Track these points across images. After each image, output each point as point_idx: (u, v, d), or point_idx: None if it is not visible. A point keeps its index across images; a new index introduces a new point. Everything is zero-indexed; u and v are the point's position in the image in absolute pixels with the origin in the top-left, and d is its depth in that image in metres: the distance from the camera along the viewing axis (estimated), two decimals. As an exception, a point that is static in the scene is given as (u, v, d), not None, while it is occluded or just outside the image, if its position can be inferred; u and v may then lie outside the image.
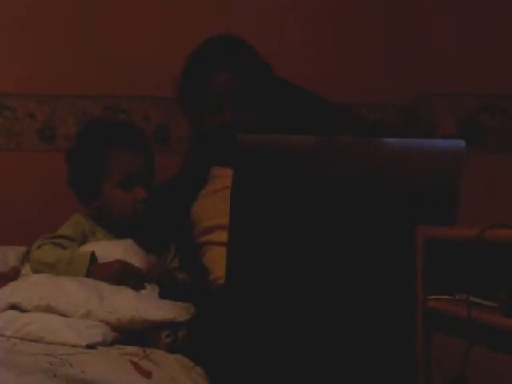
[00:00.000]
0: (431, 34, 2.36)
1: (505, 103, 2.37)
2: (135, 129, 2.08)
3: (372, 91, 2.44)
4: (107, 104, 2.39)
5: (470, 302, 1.27)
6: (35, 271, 1.83)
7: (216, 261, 1.92)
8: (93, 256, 1.80)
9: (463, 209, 1.49)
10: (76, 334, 1.56)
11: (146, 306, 1.65)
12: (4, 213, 2.31)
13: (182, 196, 2.07)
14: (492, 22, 2.34)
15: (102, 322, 1.61)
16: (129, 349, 1.57)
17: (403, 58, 2.43)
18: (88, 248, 1.85)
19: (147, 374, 1.46)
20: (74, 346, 1.53)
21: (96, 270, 1.78)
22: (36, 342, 1.57)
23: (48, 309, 1.63)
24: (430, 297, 1.39)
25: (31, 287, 1.70)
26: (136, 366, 1.48)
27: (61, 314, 1.63)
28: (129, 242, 1.89)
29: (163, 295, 1.75)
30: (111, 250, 1.84)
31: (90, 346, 1.54)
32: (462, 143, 1.48)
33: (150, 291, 1.76)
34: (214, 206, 1.98)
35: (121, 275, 1.75)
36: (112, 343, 1.59)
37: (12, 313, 1.65)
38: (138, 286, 1.75)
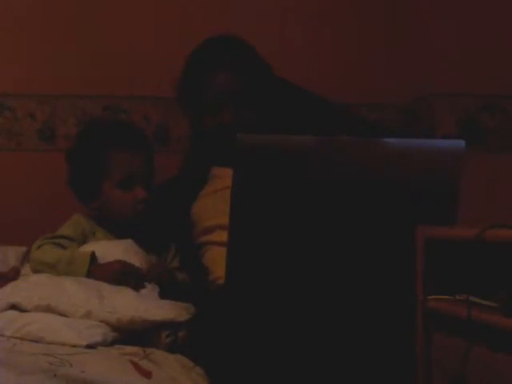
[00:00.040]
0: (431, 34, 2.36)
1: (505, 103, 2.36)
2: (135, 129, 2.08)
3: (372, 91, 2.44)
4: (107, 104, 2.39)
5: (470, 302, 1.27)
6: (35, 271, 1.83)
7: (216, 261, 1.92)
8: (93, 256, 1.80)
9: (463, 209, 1.49)
10: (76, 334, 1.56)
11: (146, 306, 1.65)
12: (4, 213, 2.31)
13: (182, 196, 2.07)
14: (492, 22, 2.34)
15: (102, 322, 1.61)
16: (129, 349, 1.57)
17: (403, 58, 2.43)
18: (88, 248, 1.85)
19: (147, 374, 1.46)
20: (74, 345, 1.54)
21: (96, 270, 1.78)
22: (36, 341, 1.57)
23: (48, 309, 1.63)
24: (429, 297, 1.39)
25: (31, 287, 1.70)
26: (136, 366, 1.48)
27: (61, 314, 1.63)
28: (129, 242, 1.89)
29: (163, 295, 1.75)
30: (111, 249, 1.84)
31: (90, 346, 1.54)
32: (462, 143, 1.48)
33: (150, 291, 1.76)
34: (213, 206, 1.98)
35: (121, 275, 1.75)
36: (112, 343, 1.59)
37: (12, 313, 1.65)
38: (138, 286, 1.75)
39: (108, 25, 2.39)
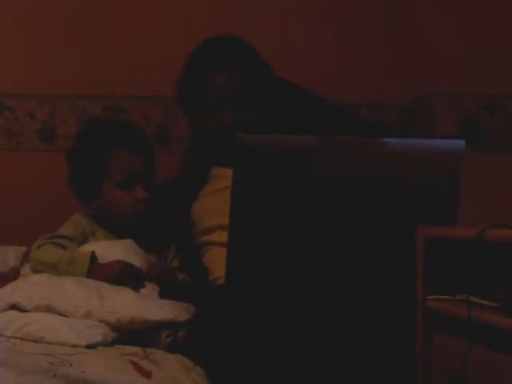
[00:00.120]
0: (431, 34, 2.36)
1: (505, 103, 2.37)
2: (135, 129, 2.07)
3: (372, 91, 2.44)
4: (107, 104, 2.39)
5: (470, 302, 1.27)
6: (35, 271, 1.83)
7: (216, 261, 1.92)
8: (93, 256, 1.80)
9: (463, 209, 1.49)
10: (76, 334, 1.56)
11: (146, 306, 1.65)
12: (4, 213, 2.31)
13: (182, 196, 2.07)
14: (492, 22, 2.34)
15: (102, 322, 1.61)
16: (129, 349, 1.57)
17: (403, 58, 2.43)
18: (88, 248, 1.85)
19: (147, 374, 1.46)
20: (74, 345, 1.54)
21: (96, 270, 1.78)
22: (36, 341, 1.57)
23: (48, 309, 1.63)
24: (429, 297, 1.39)
25: (31, 287, 1.70)
26: (136, 366, 1.48)
27: (61, 314, 1.63)
28: (129, 242, 1.89)
29: (163, 295, 1.75)
30: (111, 249, 1.84)
31: (90, 346, 1.54)
32: (462, 143, 1.48)
33: (150, 291, 1.76)
34: (214, 206, 1.98)
35: (120, 275, 1.75)
36: (112, 343, 1.59)
37: (12, 313, 1.65)
38: (137, 286, 1.75)
39: (108, 25, 2.39)
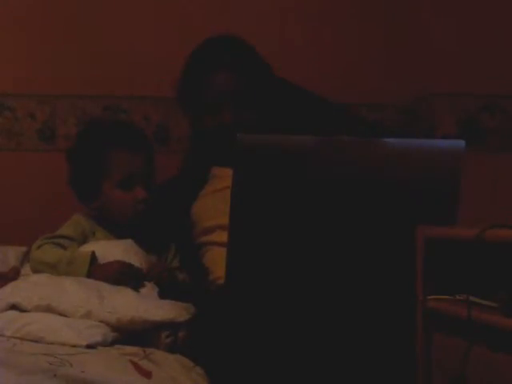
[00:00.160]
0: (431, 34, 2.36)
1: (505, 103, 2.37)
2: (135, 129, 2.07)
3: (372, 91, 2.44)
4: (107, 104, 2.39)
5: (470, 302, 1.27)
6: (35, 271, 1.83)
7: (216, 261, 1.92)
8: (93, 256, 1.80)
9: (463, 209, 1.49)
10: (76, 334, 1.56)
11: (146, 306, 1.65)
12: (4, 213, 2.31)
13: (182, 196, 2.07)
14: (492, 22, 2.34)
15: (101, 322, 1.61)
16: (129, 349, 1.57)
17: (403, 58, 2.43)
18: (88, 248, 1.85)
19: (147, 374, 1.46)
20: (74, 346, 1.54)
21: (96, 270, 1.78)
22: (36, 342, 1.57)
23: (48, 309, 1.63)
24: (429, 297, 1.39)
25: (31, 287, 1.70)
26: (136, 366, 1.48)
27: (61, 314, 1.63)
28: (129, 242, 1.89)
29: (163, 295, 1.75)
30: (111, 249, 1.84)
31: (90, 346, 1.54)
32: (461, 143, 1.48)
33: (150, 290, 1.76)
34: (214, 206, 1.98)
35: (120, 275, 1.75)
36: (112, 343, 1.59)
37: (12, 313, 1.65)
38: (137, 286, 1.75)
39: (108, 25, 2.39)
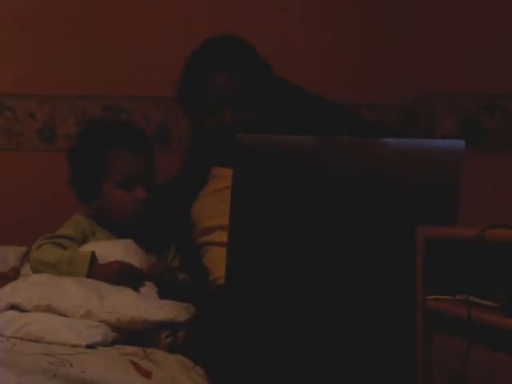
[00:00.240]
0: (431, 34, 2.36)
1: (505, 103, 2.37)
2: (135, 129, 2.07)
3: (372, 91, 2.44)
4: (107, 104, 2.39)
5: (470, 302, 1.27)
6: (35, 271, 1.83)
7: (216, 261, 1.92)
8: (93, 256, 1.80)
9: (463, 209, 1.49)
10: (76, 334, 1.56)
11: (145, 306, 1.65)
12: (4, 213, 2.31)
13: (182, 196, 2.07)
14: (492, 22, 2.34)
15: (101, 322, 1.61)
16: (129, 349, 1.57)
17: (403, 58, 2.43)
18: (88, 248, 1.85)
19: (147, 374, 1.46)
20: (74, 346, 1.54)
21: (96, 270, 1.78)
22: (36, 341, 1.57)
23: (48, 309, 1.63)
24: (429, 297, 1.39)
25: (31, 287, 1.70)
26: (136, 366, 1.48)
27: (61, 314, 1.63)
28: (129, 242, 1.89)
29: (163, 295, 1.75)
30: (111, 249, 1.84)
31: (90, 346, 1.54)
32: (461, 143, 1.48)
33: (150, 290, 1.76)
34: (214, 206, 1.98)
35: (119, 276, 1.75)
36: (112, 343, 1.59)
37: (12, 313, 1.65)
38: (137, 286, 1.75)
39: (108, 25, 2.39)
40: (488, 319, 1.25)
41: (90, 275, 1.77)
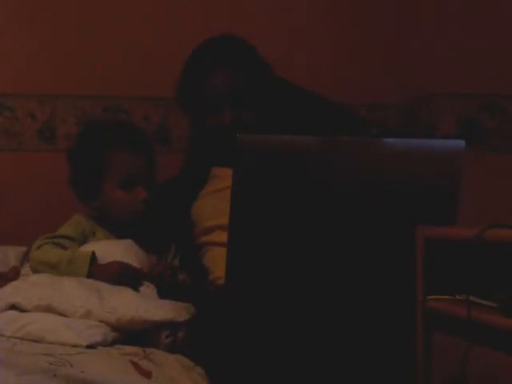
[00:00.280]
0: (431, 34, 2.36)
1: (505, 103, 2.37)
2: (136, 129, 2.07)
3: (372, 91, 2.44)
4: (107, 104, 2.39)
5: (469, 302, 1.27)
6: (35, 271, 1.83)
7: (216, 261, 1.92)
8: (93, 256, 1.80)
9: (463, 209, 1.49)
10: (76, 334, 1.56)
11: (145, 306, 1.65)
12: (4, 213, 2.31)
13: (182, 196, 2.07)
14: (492, 22, 2.34)
15: (101, 322, 1.61)
16: (129, 349, 1.57)
17: (403, 58, 2.43)
18: (88, 248, 1.85)
19: (147, 374, 1.45)
20: (74, 346, 1.53)
21: (95, 270, 1.78)
22: (36, 341, 1.57)
23: (48, 309, 1.63)
24: (429, 297, 1.39)
25: (31, 287, 1.70)
26: (136, 366, 1.48)
27: (61, 314, 1.63)
28: (129, 242, 1.89)
29: (163, 295, 1.75)
30: (111, 249, 1.84)
31: (90, 346, 1.54)
32: (461, 143, 1.48)
33: (151, 290, 1.75)
34: (213, 206, 1.98)
35: (118, 277, 1.75)
36: (112, 343, 1.59)
37: (12, 313, 1.65)
38: (137, 286, 1.75)
39: (108, 25, 2.39)
40: (488, 319, 1.25)
41: (90, 275, 1.77)
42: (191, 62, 2.06)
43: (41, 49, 2.38)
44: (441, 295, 1.39)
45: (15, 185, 2.35)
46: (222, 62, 2.02)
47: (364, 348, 1.48)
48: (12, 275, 1.91)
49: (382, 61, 2.46)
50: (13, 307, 1.66)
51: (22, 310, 1.65)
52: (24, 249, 2.11)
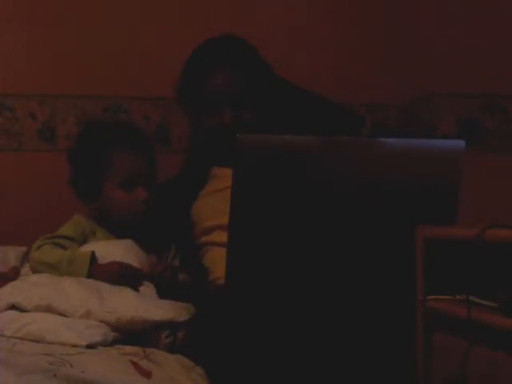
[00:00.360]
0: (431, 34, 2.36)
1: (505, 103, 2.36)
2: (136, 129, 2.07)
3: (372, 91, 2.44)
4: (107, 104, 2.39)
5: (469, 302, 1.27)
6: (35, 271, 1.83)
7: (216, 261, 1.92)
8: (93, 256, 1.80)
9: (463, 209, 1.49)
10: (76, 334, 1.56)
11: (145, 305, 1.65)
12: (4, 213, 2.31)
13: (182, 196, 2.07)
14: (492, 22, 2.34)
15: (101, 322, 1.61)
16: (129, 349, 1.57)
17: (403, 58, 2.43)
18: (88, 248, 1.85)
19: (147, 374, 1.46)
20: (74, 346, 1.53)
21: (95, 270, 1.78)
22: (36, 341, 1.57)
23: (48, 309, 1.63)
24: (429, 297, 1.39)
25: (31, 287, 1.70)
26: (136, 366, 1.48)
27: (61, 314, 1.63)
28: (129, 242, 1.89)
29: (163, 295, 1.75)
30: (111, 249, 1.84)
31: (90, 346, 1.54)
32: (461, 143, 1.48)
33: (151, 290, 1.76)
34: (214, 206, 1.98)
35: (118, 277, 1.75)
36: (112, 343, 1.59)
37: (12, 313, 1.65)
38: (137, 286, 1.75)
39: (108, 25, 2.39)
40: (488, 319, 1.25)
41: (90, 275, 1.77)
42: (191, 61, 2.06)
43: (41, 49, 2.38)
44: (441, 295, 1.39)
45: (15, 185, 2.35)
46: (222, 62, 2.02)
47: (364, 348, 1.48)
48: (12, 275, 1.91)
49: (381, 61, 2.46)
50: (13, 307, 1.66)
51: (22, 310, 1.65)
52: (24, 249, 2.11)
